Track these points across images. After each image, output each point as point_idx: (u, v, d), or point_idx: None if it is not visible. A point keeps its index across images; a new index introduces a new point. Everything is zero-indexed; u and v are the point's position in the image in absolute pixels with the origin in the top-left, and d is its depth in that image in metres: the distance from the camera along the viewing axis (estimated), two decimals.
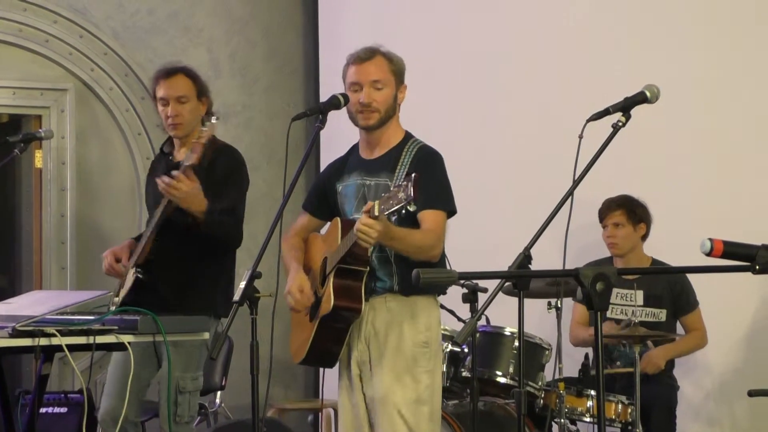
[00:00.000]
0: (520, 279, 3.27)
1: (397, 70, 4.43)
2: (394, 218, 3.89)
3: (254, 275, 4.01)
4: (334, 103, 4.31)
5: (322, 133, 4.34)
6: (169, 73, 5.04)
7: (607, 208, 6.02)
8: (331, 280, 4.25)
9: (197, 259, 4.91)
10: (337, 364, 4.45)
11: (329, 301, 4.23)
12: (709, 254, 2.97)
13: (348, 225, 4.24)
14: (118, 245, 5.10)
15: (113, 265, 4.97)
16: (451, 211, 4.35)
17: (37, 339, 3.91)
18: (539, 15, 6.81)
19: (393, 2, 7.58)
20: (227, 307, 4.95)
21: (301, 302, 4.36)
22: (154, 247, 4.85)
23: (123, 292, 4.76)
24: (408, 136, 4.46)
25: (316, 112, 4.29)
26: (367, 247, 4.08)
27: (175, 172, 4.69)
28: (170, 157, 5.09)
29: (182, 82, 5.01)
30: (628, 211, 5.99)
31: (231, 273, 5.09)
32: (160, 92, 5.01)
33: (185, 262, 4.88)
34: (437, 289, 4.47)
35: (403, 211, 3.78)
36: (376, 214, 3.86)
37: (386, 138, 4.43)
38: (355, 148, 4.56)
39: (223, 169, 4.96)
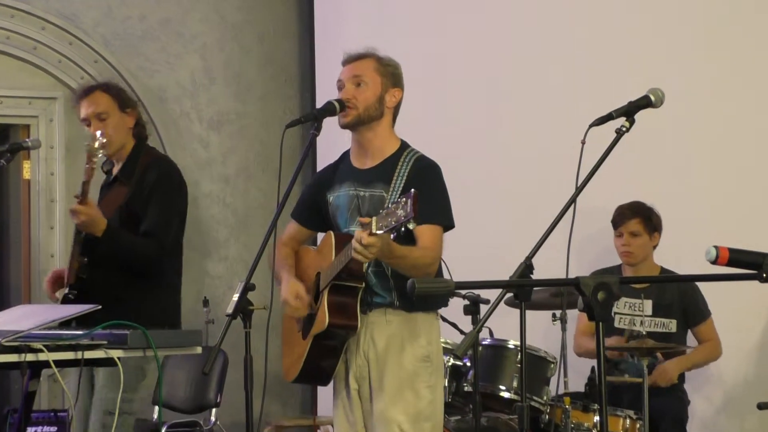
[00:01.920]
0: (521, 289, 3.26)
1: (387, 72, 4.40)
2: (393, 235, 3.88)
3: (248, 287, 4.01)
4: (329, 110, 4.30)
5: (318, 140, 4.35)
6: (86, 92, 5.03)
7: (623, 216, 5.99)
8: (326, 296, 4.23)
9: (126, 272, 4.89)
10: (332, 380, 4.44)
11: (324, 318, 4.21)
12: (714, 262, 2.97)
13: (342, 239, 4.23)
14: (51, 274, 5.10)
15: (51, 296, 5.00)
16: (448, 226, 4.34)
17: (23, 355, 3.89)
18: (541, 18, 6.82)
19: (391, 8, 7.58)
20: (173, 317, 4.96)
21: (299, 309, 4.36)
22: (82, 266, 4.87)
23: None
24: (404, 146, 4.43)
25: (311, 119, 4.28)
26: (363, 262, 4.05)
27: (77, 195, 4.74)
28: (110, 176, 5.11)
29: (99, 99, 4.99)
30: (645, 220, 5.98)
31: (174, 281, 5.06)
32: (81, 113, 5.01)
33: (115, 276, 4.87)
34: (438, 302, 4.47)
35: (402, 229, 3.77)
36: (374, 231, 3.85)
37: (379, 146, 4.40)
38: (345, 156, 4.53)
39: (149, 186, 4.95)
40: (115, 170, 5.07)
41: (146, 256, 4.88)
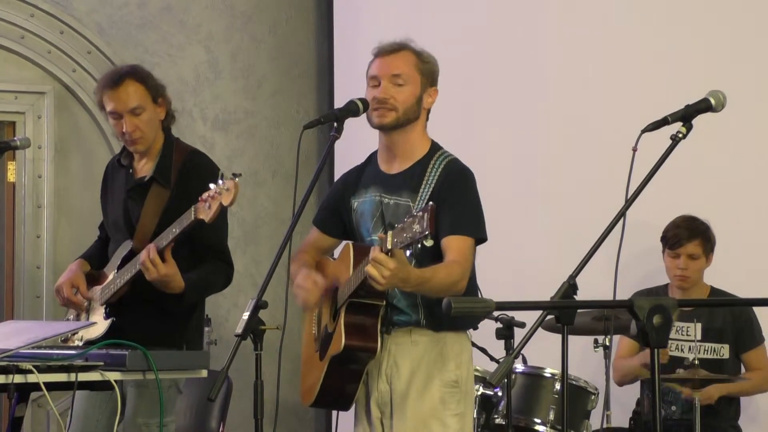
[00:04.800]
0: (565, 311, 3.26)
1: (427, 70, 4.44)
2: (409, 252, 3.90)
3: (259, 305, 4.03)
4: (352, 110, 4.33)
5: (337, 144, 4.36)
6: (115, 82, 4.90)
7: (680, 237, 5.97)
8: (342, 315, 4.26)
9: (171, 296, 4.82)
10: (354, 406, 4.47)
11: (340, 340, 4.24)
12: None
13: (361, 251, 4.25)
14: (66, 273, 5.01)
15: (72, 298, 4.90)
16: (480, 239, 4.35)
17: (11, 376, 3.91)
18: (590, 11, 6.79)
19: None
20: (199, 342, 4.97)
21: (311, 292, 4.35)
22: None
23: (93, 332, 4.73)
24: (435, 148, 4.47)
25: (331, 120, 4.30)
26: (377, 286, 4.02)
27: (150, 249, 4.59)
28: (130, 171, 5.02)
29: (132, 91, 4.89)
30: (704, 241, 5.97)
31: (203, 305, 5.03)
32: (110, 106, 4.90)
33: (158, 299, 4.79)
34: (471, 321, 4.48)
35: (419, 246, 3.79)
36: (389, 247, 3.87)
37: (409, 148, 4.44)
38: (373, 158, 4.57)
39: (196, 189, 4.67)
40: (142, 166, 5.00)
41: (225, 282, 4.90)
